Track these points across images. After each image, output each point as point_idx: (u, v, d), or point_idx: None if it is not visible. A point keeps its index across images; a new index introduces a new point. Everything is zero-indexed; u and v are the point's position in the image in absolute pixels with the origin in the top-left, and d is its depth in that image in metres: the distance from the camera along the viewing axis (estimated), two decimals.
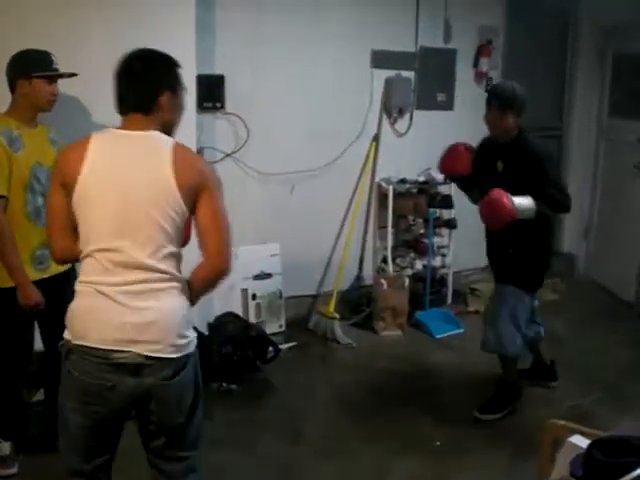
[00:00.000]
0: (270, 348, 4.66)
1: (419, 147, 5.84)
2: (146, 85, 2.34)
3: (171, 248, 2.29)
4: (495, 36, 6.32)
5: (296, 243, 5.46)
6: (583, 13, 6.71)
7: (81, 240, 2.31)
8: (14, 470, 3.51)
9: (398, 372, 4.74)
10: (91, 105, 4.09)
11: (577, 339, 5.40)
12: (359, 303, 5.81)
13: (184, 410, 2.39)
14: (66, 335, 2.33)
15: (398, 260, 5.83)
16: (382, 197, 5.89)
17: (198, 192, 2.27)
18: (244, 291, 5.33)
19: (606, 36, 6.57)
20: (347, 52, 5.60)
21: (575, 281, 6.81)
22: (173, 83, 2.41)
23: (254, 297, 5.36)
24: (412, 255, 5.91)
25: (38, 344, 3.58)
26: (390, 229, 5.82)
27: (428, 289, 5.80)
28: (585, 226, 7.01)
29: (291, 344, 5.20)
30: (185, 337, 2.33)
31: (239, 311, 5.20)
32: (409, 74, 5.91)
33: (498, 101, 3.97)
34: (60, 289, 3.45)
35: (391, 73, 5.81)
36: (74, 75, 3.48)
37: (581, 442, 2.20)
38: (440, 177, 5.46)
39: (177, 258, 2.33)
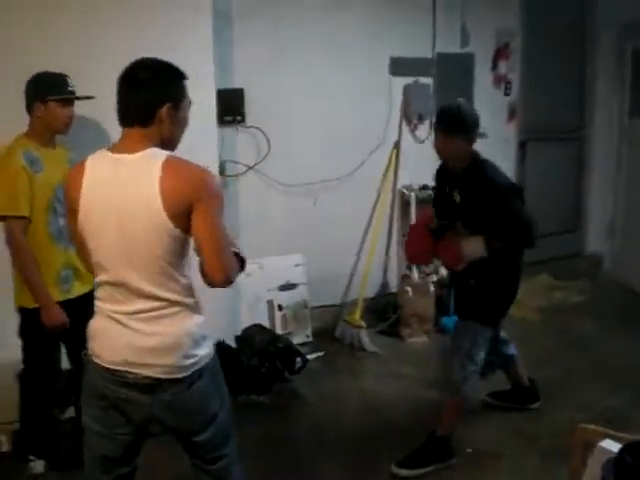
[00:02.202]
0: (298, 359, 4.66)
1: None
2: (147, 94, 2.24)
3: (174, 273, 2.27)
4: (512, 38, 6.31)
5: (320, 253, 5.48)
6: (600, 11, 6.68)
7: (93, 263, 2.36)
8: None
9: (426, 379, 4.73)
10: (104, 123, 4.12)
11: (605, 340, 5.36)
12: (385, 310, 5.81)
13: (205, 418, 2.44)
14: (88, 347, 2.41)
15: (423, 266, 5.82)
16: (404, 204, 5.89)
17: (191, 207, 2.18)
18: (270, 302, 5.34)
19: (624, 33, 6.53)
20: (365, 60, 5.63)
21: (601, 282, 6.76)
22: (176, 95, 2.30)
23: (280, 308, 5.37)
24: (436, 261, 5.89)
25: (65, 363, 3.63)
26: None
27: (453, 294, 5.77)
28: (609, 227, 6.96)
29: (318, 354, 5.20)
30: (193, 356, 2.34)
31: (265, 322, 5.21)
32: (427, 80, 5.90)
33: (443, 125, 3.56)
34: (84, 309, 3.49)
35: (409, 80, 5.81)
36: (90, 98, 3.51)
37: (612, 446, 2.19)
38: None
39: (182, 281, 2.30)
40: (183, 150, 2.47)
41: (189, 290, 2.34)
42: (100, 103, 3.79)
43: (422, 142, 5.93)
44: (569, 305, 6.18)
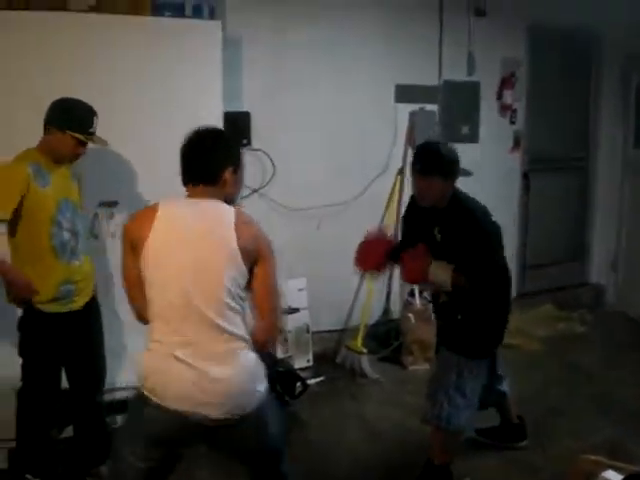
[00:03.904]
0: (298, 383, 4.64)
1: None
2: (214, 160, 2.52)
3: (236, 307, 2.43)
4: (518, 68, 6.34)
5: (323, 277, 5.46)
6: (605, 43, 6.72)
7: (151, 298, 2.42)
8: None
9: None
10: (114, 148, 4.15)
11: (607, 372, 5.32)
12: (387, 337, 5.78)
13: (265, 444, 2.61)
14: (140, 384, 2.44)
15: (425, 293, 5.80)
16: None
17: (256, 258, 2.46)
18: None
19: (629, 64, 6.57)
20: (371, 87, 5.66)
21: (604, 313, 6.74)
22: (236, 160, 2.59)
23: (281, 332, 5.35)
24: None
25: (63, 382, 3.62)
26: None
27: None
28: (613, 257, 6.95)
29: (319, 379, 5.18)
30: (256, 392, 2.49)
31: None
32: (433, 107, 5.92)
33: (420, 166, 3.42)
34: (84, 322, 3.51)
35: (415, 107, 5.81)
36: (105, 143, 3.48)
37: (614, 477, 2.17)
38: None
39: (241, 316, 2.47)
40: None
41: (246, 326, 2.51)
42: (112, 129, 3.82)
43: None
44: (572, 335, 6.15)
